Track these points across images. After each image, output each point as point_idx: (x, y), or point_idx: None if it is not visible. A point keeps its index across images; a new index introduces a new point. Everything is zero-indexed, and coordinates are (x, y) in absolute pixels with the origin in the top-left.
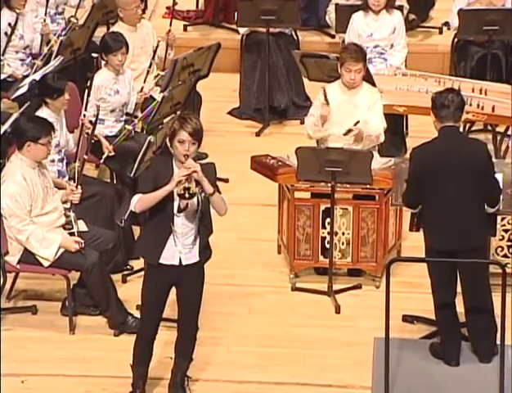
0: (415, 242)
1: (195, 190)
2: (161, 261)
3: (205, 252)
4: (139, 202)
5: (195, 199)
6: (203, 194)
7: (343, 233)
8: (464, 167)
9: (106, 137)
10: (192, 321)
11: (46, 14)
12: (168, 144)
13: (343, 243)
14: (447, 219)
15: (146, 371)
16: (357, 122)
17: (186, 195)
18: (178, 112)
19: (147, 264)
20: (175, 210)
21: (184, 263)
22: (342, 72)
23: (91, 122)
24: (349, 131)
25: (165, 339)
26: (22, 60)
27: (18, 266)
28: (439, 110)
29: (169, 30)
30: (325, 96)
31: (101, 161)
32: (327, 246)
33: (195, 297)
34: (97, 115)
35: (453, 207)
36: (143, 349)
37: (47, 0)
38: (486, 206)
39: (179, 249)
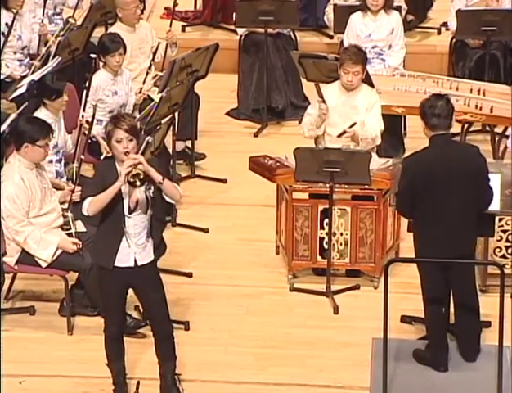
0: (413, 243)
1: (142, 174)
2: (116, 264)
3: (159, 249)
4: (91, 205)
5: (143, 197)
6: (151, 190)
7: (342, 234)
8: (459, 175)
9: (104, 138)
10: (163, 321)
11: (43, 14)
12: (108, 148)
13: (341, 244)
14: (442, 228)
15: (123, 365)
16: (353, 124)
17: (137, 182)
18: (176, 113)
19: (101, 268)
20: (126, 212)
21: (139, 263)
22: (340, 73)
23: (87, 122)
24: (343, 133)
25: None
26: (20, 60)
27: (16, 267)
28: (430, 119)
29: (169, 30)
30: (321, 94)
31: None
32: (325, 246)
33: (157, 296)
34: (93, 114)
35: (447, 215)
36: (114, 346)
37: (44, 0)
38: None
39: (133, 249)
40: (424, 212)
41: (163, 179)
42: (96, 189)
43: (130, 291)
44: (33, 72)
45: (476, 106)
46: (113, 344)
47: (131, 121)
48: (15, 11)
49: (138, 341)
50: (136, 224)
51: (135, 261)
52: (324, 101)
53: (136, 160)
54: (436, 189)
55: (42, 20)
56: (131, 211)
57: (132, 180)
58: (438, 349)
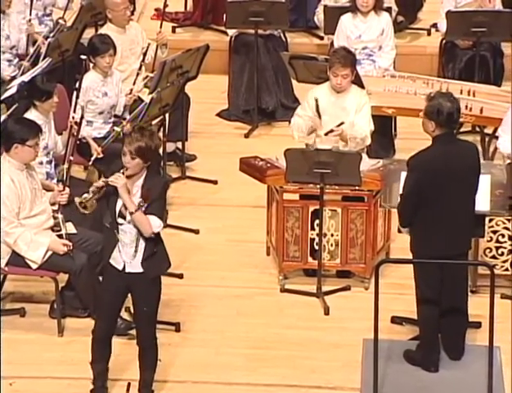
0: (403, 244)
1: (87, 209)
2: (111, 261)
3: (154, 265)
4: None
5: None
6: (143, 208)
7: (332, 235)
8: (464, 172)
9: (95, 139)
10: (146, 331)
11: (30, 13)
12: (98, 149)
13: (331, 245)
14: (448, 226)
15: (106, 368)
16: (341, 123)
17: (81, 210)
18: (166, 114)
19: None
20: (117, 217)
21: (127, 270)
22: (330, 75)
23: (76, 123)
24: (331, 131)
25: None
26: (9, 60)
27: (6, 268)
28: (447, 120)
29: (160, 31)
30: (318, 108)
31: (90, 163)
32: (316, 247)
33: (143, 308)
34: (82, 115)
35: (453, 213)
36: (99, 346)
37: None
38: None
39: (123, 257)
40: (426, 211)
41: (136, 210)
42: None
43: None
44: (22, 72)
45: (466, 107)
46: (98, 345)
47: (140, 142)
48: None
49: (129, 343)
50: (130, 233)
51: (124, 266)
52: (319, 116)
53: (114, 183)
54: (442, 187)
55: (30, 20)
56: (122, 218)
57: (80, 202)
58: (430, 349)
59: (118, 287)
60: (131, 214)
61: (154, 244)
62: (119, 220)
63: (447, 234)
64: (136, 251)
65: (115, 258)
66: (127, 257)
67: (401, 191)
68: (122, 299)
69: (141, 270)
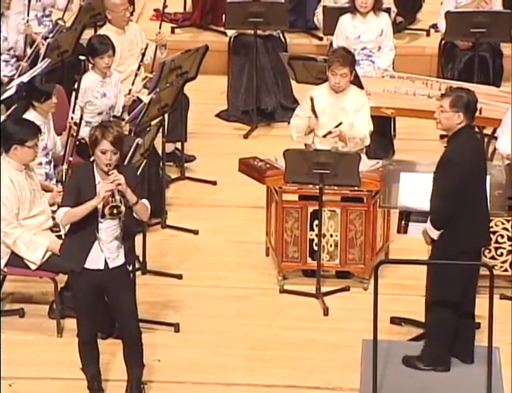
0: (402, 244)
1: (123, 209)
2: (86, 266)
3: (130, 255)
4: (65, 217)
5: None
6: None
7: (331, 235)
8: (485, 163)
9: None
10: (132, 325)
11: (28, 14)
12: (91, 152)
13: (331, 245)
14: (483, 217)
15: (98, 370)
16: (339, 124)
17: (115, 211)
18: (166, 114)
19: (71, 271)
20: (99, 217)
21: (111, 266)
22: (328, 75)
23: (75, 123)
24: (329, 133)
25: (149, 341)
26: (6, 61)
27: (5, 269)
28: (474, 112)
29: (159, 32)
30: (314, 108)
31: None
32: (315, 248)
33: (127, 300)
34: (81, 116)
35: (484, 206)
36: (87, 350)
37: (28, 0)
38: None
39: (106, 254)
40: (468, 207)
41: (137, 202)
42: (70, 197)
43: None
44: (20, 73)
45: None
46: (85, 349)
47: (118, 132)
48: None
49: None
50: (108, 227)
51: (106, 264)
52: (316, 116)
53: (116, 181)
54: (479, 180)
55: (27, 20)
56: (103, 216)
57: (110, 211)
58: (445, 350)
59: (96, 288)
60: (134, 205)
61: (134, 235)
62: (101, 220)
63: (485, 227)
64: (120, 246)
65: (92, 259)
66: (110, 253)
67: (439, 192)
68: (101, 296)
69: (122, 262)
